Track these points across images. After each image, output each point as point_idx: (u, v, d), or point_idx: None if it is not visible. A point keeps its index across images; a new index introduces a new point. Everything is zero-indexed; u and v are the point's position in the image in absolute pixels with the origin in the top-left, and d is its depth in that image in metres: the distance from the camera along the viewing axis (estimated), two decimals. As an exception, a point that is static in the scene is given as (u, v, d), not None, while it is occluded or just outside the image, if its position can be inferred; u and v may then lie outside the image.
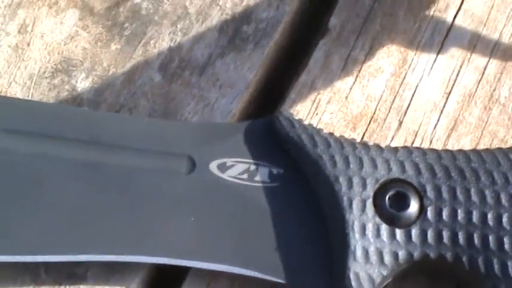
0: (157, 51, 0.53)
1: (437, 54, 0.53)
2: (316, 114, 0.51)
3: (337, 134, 0.48)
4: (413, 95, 0.52)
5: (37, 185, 0.48)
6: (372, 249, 0.46)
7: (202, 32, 0.53)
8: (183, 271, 0.48)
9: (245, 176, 0.48)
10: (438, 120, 0.51)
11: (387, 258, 0.46)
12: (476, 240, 0.46)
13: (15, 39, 0.53)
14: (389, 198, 0.47)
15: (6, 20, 0.54)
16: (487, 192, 0.46)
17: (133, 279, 0.48)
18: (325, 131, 0.48)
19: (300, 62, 0.53)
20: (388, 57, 0.53)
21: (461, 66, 0.52)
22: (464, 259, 0.46)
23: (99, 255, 0.47)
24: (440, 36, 0.53)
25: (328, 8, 0.54)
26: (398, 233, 0.46)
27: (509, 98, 0.52)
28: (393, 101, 0.52)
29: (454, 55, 0.53)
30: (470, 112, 0.51)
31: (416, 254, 0.46)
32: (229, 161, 0.48)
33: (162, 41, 0.53)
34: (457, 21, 0.53)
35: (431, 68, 0.52)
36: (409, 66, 0.52)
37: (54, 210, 0.47)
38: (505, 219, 0.46)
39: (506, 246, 0.46)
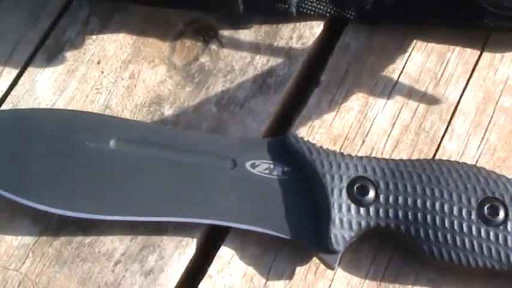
0: (214, 93, 0.52)
1: (387, 99, 0.52)
2: (311, 134, 0.51)
3: (324, 147, 0.48)
4: (371, 125, 0.51)
5: (138, 173, 0.48)
6: (345, 220, 0.46)
7: (242, 81, 0.53)
8: (225, 230, 0.48)
9: (267, 171, 0.48)
10: (387, 141, 0.51)
11: (354, 226, 0.46)
12: (410, 216, 0.46)
13: (127, 82, 0.53)
14: (356, 188, 0.46)
15: (121, 70, 0.53)
16: (417, 186, 0.46)
17: (195, 234, 0.48)
18: (317, 145, 0.48)
19: (302, 103, 0.53)
20: (357, 100, 0.52)
21: (402, 108, 0.52)
22: (402, 227, 0.46)
23: (174, 218, 0.47)
24: (389, 89, 0.52)
25: (320, 69, 0.53)
26: (362, 210, 0.46)
27: (431, 128, 0.51)
28: (359, 128, 0.51)
29: (397, 100, 0.52)
30: (407, 136, 0.51)
31: (372, 224, 0.46)
32: (257, 162, 0.48)
33: (217, 86, 0.53)
34: (400, 80, 0.53)
35: (383, 108, 0.52)
36: (370, 106, 0.52)
37: (148, 189, 0.47)
38: (428, 203, 0.46)
39: (428, 219, 0.46)
